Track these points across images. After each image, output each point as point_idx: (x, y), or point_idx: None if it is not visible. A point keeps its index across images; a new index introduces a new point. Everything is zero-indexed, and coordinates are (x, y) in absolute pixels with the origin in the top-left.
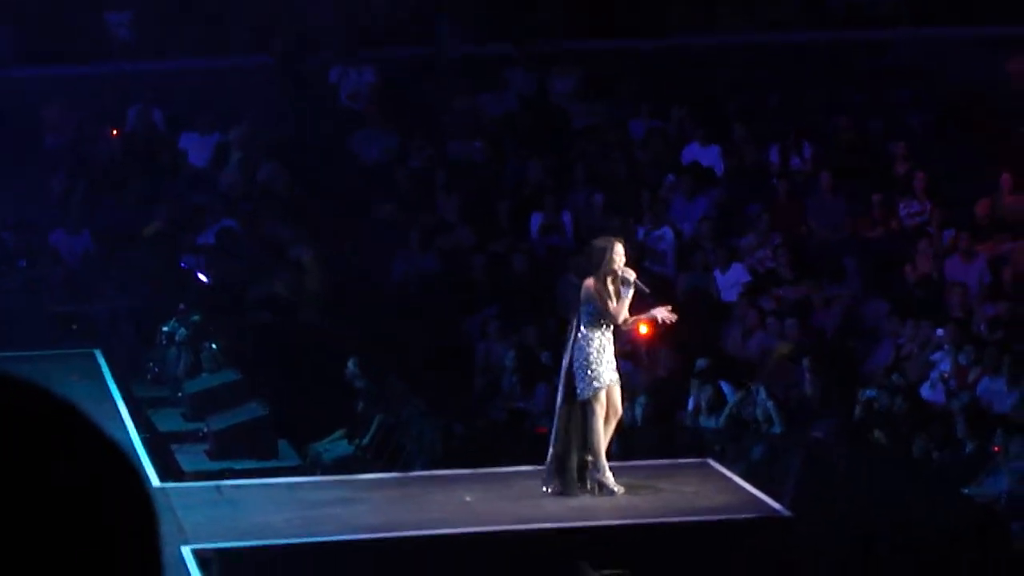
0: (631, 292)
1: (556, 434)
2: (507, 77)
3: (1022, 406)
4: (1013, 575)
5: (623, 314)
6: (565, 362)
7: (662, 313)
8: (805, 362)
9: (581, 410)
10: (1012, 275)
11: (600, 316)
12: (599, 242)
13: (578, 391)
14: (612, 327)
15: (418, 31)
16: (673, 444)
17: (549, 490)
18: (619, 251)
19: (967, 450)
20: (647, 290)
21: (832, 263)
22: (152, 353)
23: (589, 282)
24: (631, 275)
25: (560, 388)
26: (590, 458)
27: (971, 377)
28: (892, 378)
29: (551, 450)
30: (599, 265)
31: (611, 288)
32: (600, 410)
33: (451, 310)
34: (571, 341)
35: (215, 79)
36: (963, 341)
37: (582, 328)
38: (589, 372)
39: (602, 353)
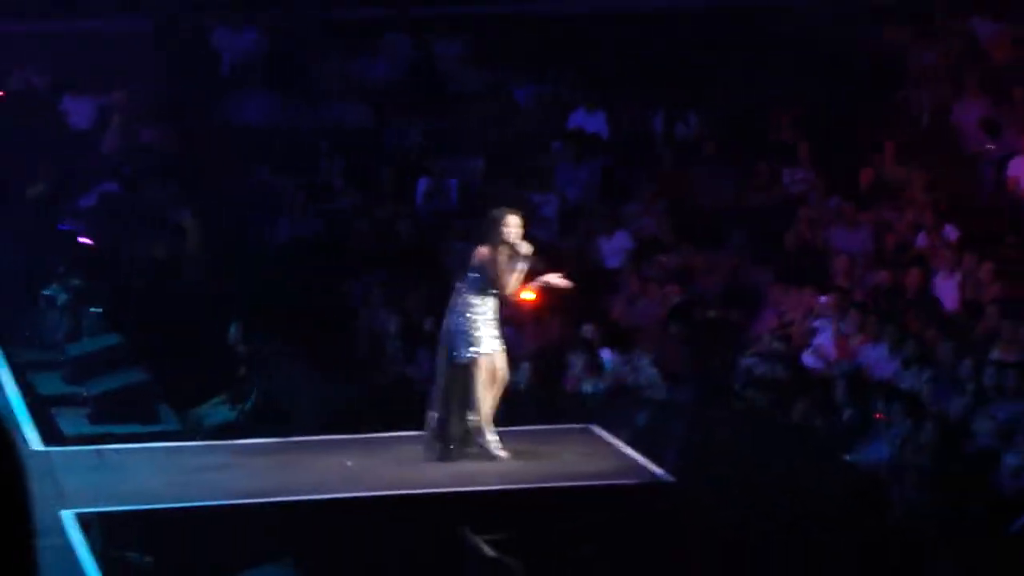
0: (525, 266)
1: (437, 399)
2: (391, 41)
3: (903, 373)
4: (893, 541)
5: (513, 286)
6: (445, 326)
7: (554, 279)
8: (688, 328)
9: (462, 375)
10: (895, 243)
11: (490, 285)
12: (494, 212)
13: (456, 355)
14: (498, 296)
15: None
16: (557, 410)
17: (430, 455)
18: (513, 222)
19: (848, 417)
20: (541, 266)
21: (716, 230)
22: (33, 316)
23: (483, 250)
24: (528, 249)
25: (439, 352)
26: (474, 423)
27: (853, 344)
28: (773, 345)
29: (432, 415)
30: (492, 235)
31: (503, 259)
32: (481, 376)
33: (334, 275)
34: (453, 305)
35: (98, 41)
36: (846, 308)
37: (466, 294)
38: (468, 337)
39: (484, 320)
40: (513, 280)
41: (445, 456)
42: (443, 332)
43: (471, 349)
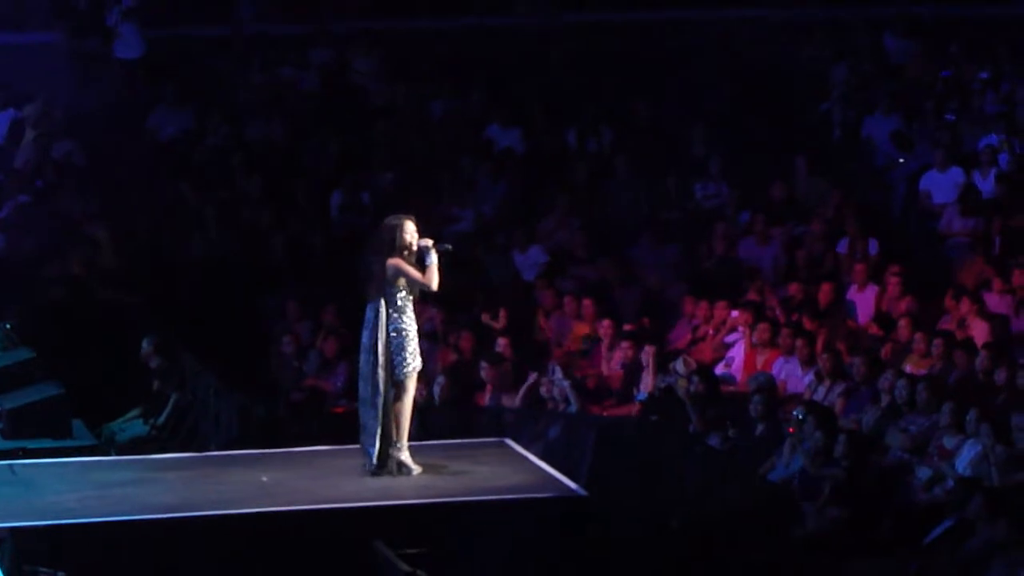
0: (435, 258)
1: (376, 416)
2: (306, 56)
3: (816, 386)
4: (804, 555)
5: (434, 281)
6: (378, 344)
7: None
8: (602, 343)
9: (398, 391)
10: (806, 257)
11: (412, 289)
12: (389, 220)
13: (396, 372)
14: (414, 306)
15: (215, 9)
16: (471, 424)
17: (373, 471)
18: (409, 228)
19: (760, 431)
20: (449, 247)
21: (629, 245)
22: None
23: (392, 260)
24: (428, 242)
25: (373, 368)
26: (393, 437)
27: (766, 358)
28: (679, 362)
29: (377, 431)
30: (393, 243)
31: (416, 260)
32: (412, 390)
33: (249, 289)
34: (379, 322)
35: (10, 56)
36: (757, 322)
37: (392, 308)
38: (406, 353)
39: (415, 333)
40: (434, 276)
41: (381, 471)
42: (372, 352)
43: (410, 364)
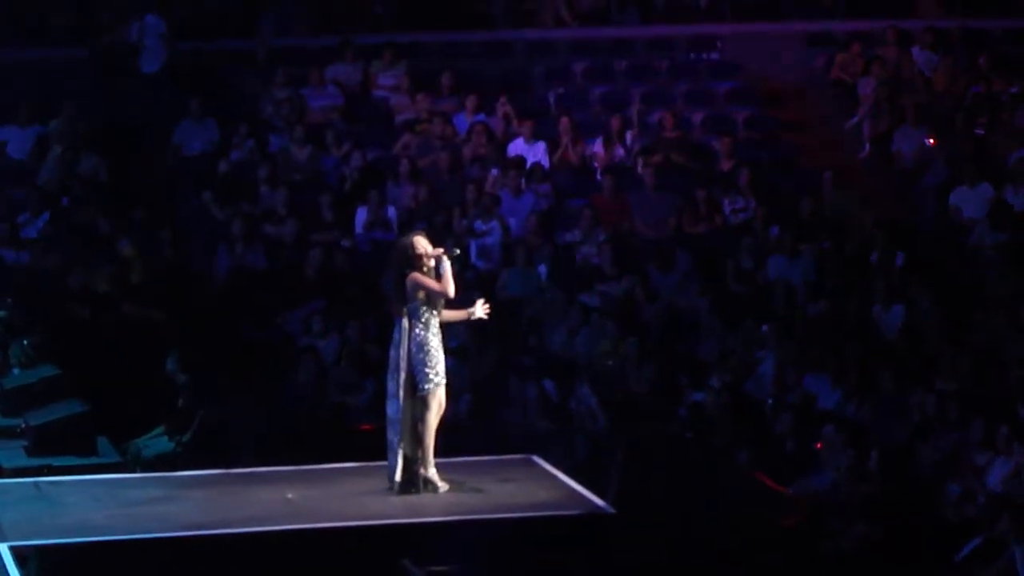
0: (447, 265)
1: (404, 433)
2: (330, 70)
3: (846, 403)
4: (833, 572)
5: (450, 288)
6: (400, 359)
7: (478, 311)
8: (629, 359)
9: (419, 406)
10: (835, 273)
11: (432, 300)
12: (403, 241)
13: (419, 387)
14: (439, 322)
15: (240, 23)
16: (497, 440)
17: (397, 489)
18: (421, 241)
19: (790, 447)
20: (456, 251)
21: (657, 259)
22: None
23: (414, 276)
24: (438, 251)
25: (399, 386)
26: (418, 454)
27: (795, 375)
28: (711, 381)
29: (400, 450)
30: (410, 259)
31: (431, 271)
32: (435, 406)
33: (274, 304)
34: (405, 338)
35: (35, 71)
36: (786, 338)
37: (417, 323)
38: (428, 368)
39: (438, 350)
40: (449, 283)
41: (407, 490)
42: (399, 368)
43: (434, 380)
